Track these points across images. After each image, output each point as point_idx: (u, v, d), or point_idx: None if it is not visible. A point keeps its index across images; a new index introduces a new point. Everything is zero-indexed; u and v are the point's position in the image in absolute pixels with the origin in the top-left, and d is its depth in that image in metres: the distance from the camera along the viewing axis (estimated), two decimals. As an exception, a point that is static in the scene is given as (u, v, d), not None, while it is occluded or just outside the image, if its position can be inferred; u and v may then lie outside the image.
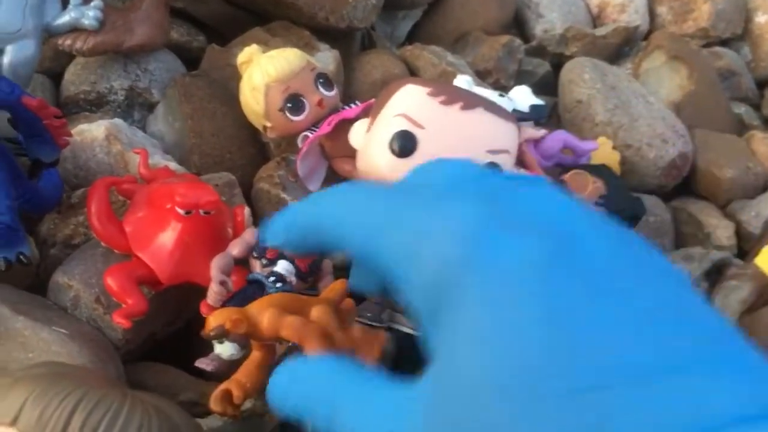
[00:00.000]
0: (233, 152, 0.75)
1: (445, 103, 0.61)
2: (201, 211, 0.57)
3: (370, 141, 0.63)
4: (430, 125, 0.60)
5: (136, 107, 0.78)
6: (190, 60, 0.84)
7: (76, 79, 0.76)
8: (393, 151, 0.60)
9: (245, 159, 0.76)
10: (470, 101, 0.61)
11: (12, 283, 0.59)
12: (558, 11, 1.10)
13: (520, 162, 0.72)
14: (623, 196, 0.75)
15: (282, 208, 0.68)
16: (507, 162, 0.62)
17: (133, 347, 0.59)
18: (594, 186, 0.73)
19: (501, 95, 0.77)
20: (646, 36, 1.11)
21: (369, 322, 0.62)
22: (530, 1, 1.10)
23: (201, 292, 0.59)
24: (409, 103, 0.61)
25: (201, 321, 0.62)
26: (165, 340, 0.64)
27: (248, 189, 0.72)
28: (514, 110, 0.75)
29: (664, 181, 0.90)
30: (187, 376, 0.59)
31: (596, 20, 1.13)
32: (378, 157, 0.62)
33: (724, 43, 1.16)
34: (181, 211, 0.57)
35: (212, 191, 0.58)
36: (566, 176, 0.73)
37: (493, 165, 0.61)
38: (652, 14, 1.15)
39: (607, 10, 1.12)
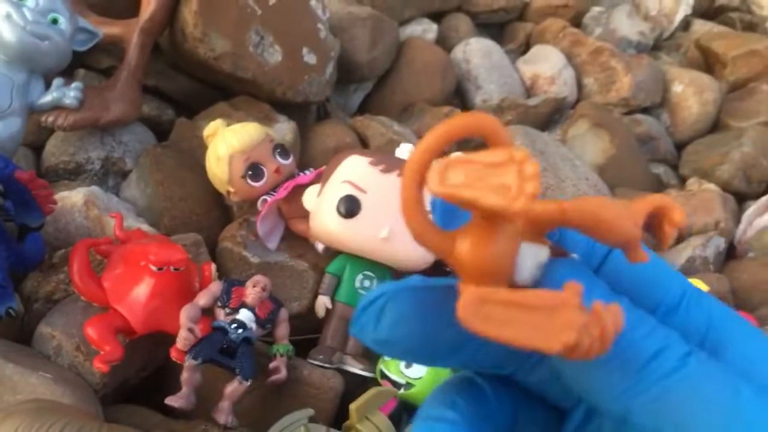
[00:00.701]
0: (200, 215, 0.83)
1: (384, 171, 0.71)
2: (172, 268, 0.65)
3: (321, 204, 0.72)
4: (372, 190, 0.70)
5: (111, 175, 0.87)
6: (161, 132, 0.93)
7: (56, 150, 0.84)
8: (340, 213, 0.70)
9: (210, 220, 0.84)
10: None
11: (1, 335, 0.65)
12: (495, 83, 1.22)
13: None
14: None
15: (243, 265, 0.76)
16: (439, 221, 0.72)
17: (110, 391, 0.66)
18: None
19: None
20: (574, 105, 1.23)
21: (321, 364, 0.70)
22: (470, 74, 1.22)
23: (169, 340, 0.66)
24: (353, 171, 0.71)
25: (170, 366, 0.70)
26: (137, 384, 0.70)
27: (213, 247, 0.80)
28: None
29: (588, 235, 1.00)
30: (159, 415, 0.66)
31: (529, 91, 1.26)
32: (328, 218, 0.71)
33: (645, 110, 1.29)
34: (154, 268, 0.65)
35: (181, 250, 0.66)
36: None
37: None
38: (579, 85, 1.28)
39: (538, 82, 1.25)
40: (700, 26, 1.55)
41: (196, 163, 0.86)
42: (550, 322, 0.19)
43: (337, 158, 0.74)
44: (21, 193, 0.64)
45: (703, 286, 0.79)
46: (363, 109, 1.16)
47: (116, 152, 0.86)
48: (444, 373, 0.68)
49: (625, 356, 0.21)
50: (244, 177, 0.78)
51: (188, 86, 0.98)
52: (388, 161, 0.72)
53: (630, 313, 0.21)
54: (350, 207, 0.69)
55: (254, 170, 0.78)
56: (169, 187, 0.83)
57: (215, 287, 0.67)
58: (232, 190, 0.80)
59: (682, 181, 1.21)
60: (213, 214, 0.85)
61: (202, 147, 0.84)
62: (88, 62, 0.92)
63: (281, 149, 0.81)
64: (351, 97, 1.16)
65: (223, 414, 0.63)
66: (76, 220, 0.76)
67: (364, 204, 0.70)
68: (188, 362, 0.63)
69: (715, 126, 1.32)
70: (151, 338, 0.68)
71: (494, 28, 1.42)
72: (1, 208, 0.70)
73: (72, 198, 0.76)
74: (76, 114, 0.80)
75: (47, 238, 0.74)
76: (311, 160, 0.92)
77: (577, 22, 1.42)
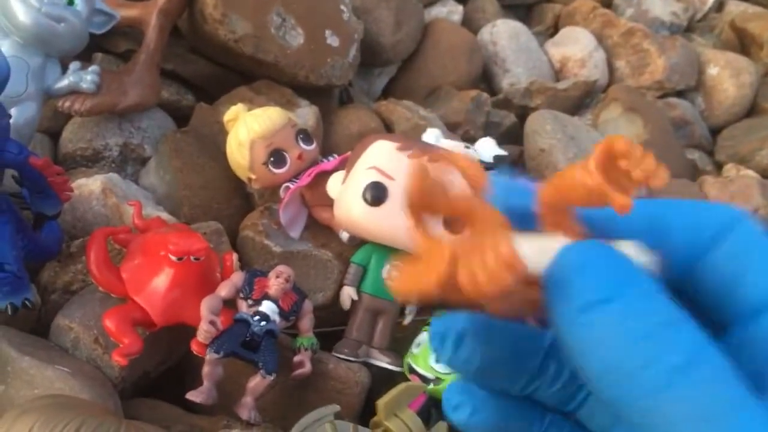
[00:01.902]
0: (220, 203, 0.81)
1: (412, 156, 0.67)
2: (192, 258, 0.63)
3: (346, 191, 0.69)
4: (400, 176, 0.67)
5: (129, 162, 0.84)
6: (180, 117, 0.91)
7: (73, 137, 0.82)
8: (366, 200, 0.67)
9: (231, 209, 0.81)
10: (435, 155, 0.68)
11: (17, 327, 0.63)
12: (523, 66, 1.18)
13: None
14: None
15: (265, 254, 0.74)
16: (470, 209, 0.69)
17: (129, 384, 0.64)
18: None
19: (467, 147, 0.84)
20: (606, 89, 1.19)
21: (347, 358, 0.68)
22: (497, 57, 1.19)
23: (190, 332, 0.64)
24: (380, 157, 0.68)
25: (191, 359, 0.68)
26: (158, 377, 0.68)
27: (234, 236, 0.77)
28: (479, 161, 0.81)
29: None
30: (179, 409, 0.64)
31: (558, 74, 1.22)
32: (353, 206, 0.68)
33: (680, 93, 1.25)
34: (173, 258, 0.62)
35: (202, 239, 0.64)
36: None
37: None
38: (611, 68, 1.23)
39: (568, 65, 1.21)
40: (735, 6, 1.50)
41: (217, 150, 0.84)
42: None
43: (362, 143, 0.71)
44: (36, 179, 0.61)
45: None
46: (387, 93, 1.13)
47: (135, 138, 0.84)
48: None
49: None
50: (266, 163, 0.75)
51: (208, 70, 0.95)
52: (416, 146, 0.69)
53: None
54: (377, 194, 0.66)
55: (276, 156, 0.76)
56: (189, 174, 0.81)
57: (237, 278, 0.64)
58: (253, 177, 0.77)
59: (719, 167, 1.17)
60: (234, 202, 0.82)
61: (223, 133, 0.82)
62: (105, 46, 0.89)
63: (304, 135, 0.78)
64: (375, 81, 1.12)
65: (246, 409, 0.61)
66: (93, 209, 0.74)
67: (391, 191, 0.67)
68: (209, 356, 0.60)
69: (752, 110, 1.27)
70: (171, 330, 0.66)
71: (521, 9, 1.38)
72: (18, 196, 0.68)
73: (90, 185, 0.74)
74: (94, 99, 0.78)
75: (65, 227, 0.72)
76: (334, 145, 0.90)
77: (607, 2, 1.37)
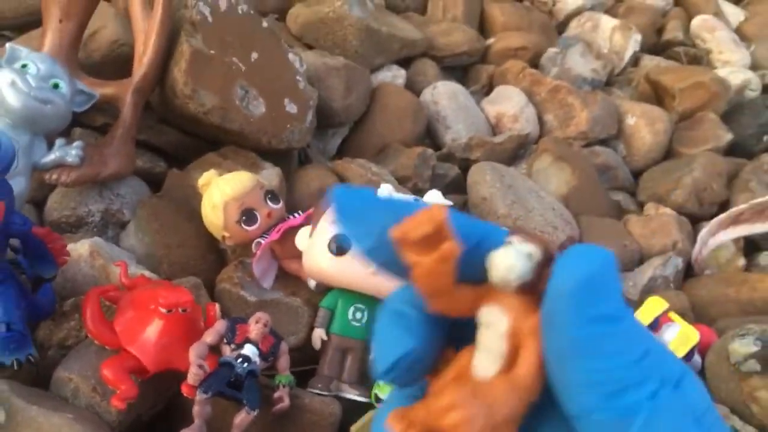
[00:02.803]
0: (196, 259, 0.89)
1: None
2: (180, 309, 0.71)
3: (313, 244, 0.79)
4: (360, 229, 0.76)
5: (109, 226, 0.92)
6: (154, 183, 0.99)
7: (58, 205, 0.90)
8: (331, 251, 0.76)
9: (207, 264, 0.90)
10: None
11: (18, 381, 0.70)
12: (463, 123, 1.30)
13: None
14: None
15: (241, 304, 0.82)
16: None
17: (125, 428, 0.71)
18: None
19: (416, 199, 0.94)
20: (537, 140, 1.32)
21: (320, 392, 0.76)
22: (439, 115, 1.30)
23: (176, 378, 0.71)
24: (342, 213, 0.77)
25: (177, 403, 0.75)
26: (149, 420, 0.75)
27: (211, 289, 0.85)
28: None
29: (557, 261, 1.07)
30: (172, 448, 0.70)
31: (494, 129, 1.34)
32: (320, 257, 0.77)
33: (603, 142, 1.39)
34: (163, 310, 0.70)
35: (188, 292, 0.72)
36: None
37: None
38: (540, 121, 1.37)
39: (503, 120, 1.33)
40: (649, 61, 1.66)
41: (190, 211, 0.92)
42: None
43: (325, 200, 0.80)
44: (37, 247, 0.69)
45: (664, 304, 0.87)
46: (341, 152, 1.23)
47: (114, 204, 0.92)
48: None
49: (609, 377, 0.22)
50: (238, 222, 0.84)
51: (177, 139, 1.04)
52: (373, 202, 0.79)
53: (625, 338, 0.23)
54: (341, 245, 0.76)
55: (248, 215, 0.84)
56: (166, 234, 0.89)
57: (220, 326, 0.72)
58: (227, 234, 0.85)
59: (641, 206, 1.30)
60: (209, 258, 0.90)
61: (195, 196, 0.90)
62: (83, 120, 0.97)
63: (272, 195, 0.87)
64: (329, 141, 1.23)
65: (234, 443, 0.68)
66: (82, 270, 0.81)
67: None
68: (199, 396, 0.68)
69: (668, 154, 1.41)
70: (160, 376, 0.73)
71: (458, 70, 1.51)
72: (14, 263, 0.75)
73: (78, 249, 0.81)
74: (78, 170, 0.86)
75: (56, 288, 0.79)
76: (297, 202, 0.98)
77: (534, 62, 1.51)
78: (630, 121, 1.41)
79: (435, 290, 0.28)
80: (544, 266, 0.25)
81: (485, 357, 0.27)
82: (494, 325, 0.27)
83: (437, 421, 0.26)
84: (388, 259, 0.27)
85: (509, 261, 0.26)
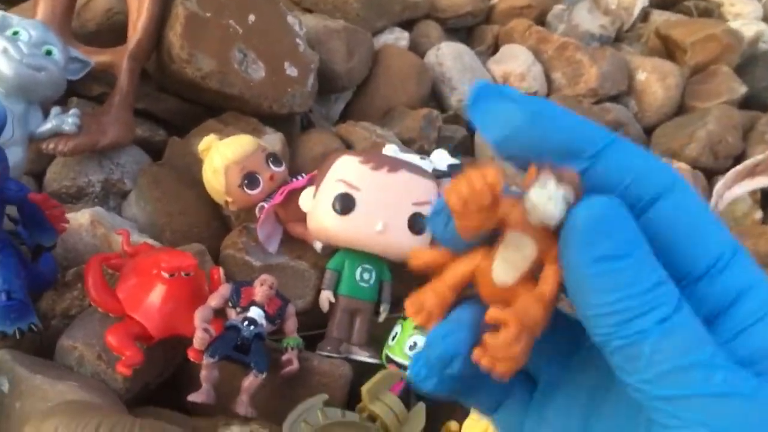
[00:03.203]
0: (200, 227, 0.87)
1: (374, 168, 0.75)
2: (182, 273, 0.69)
3: (317, 204, 0.77)
4: (365, 187, 0.75)
5: (110, 196, 0.90)
6: (154, 151, 0.97)
7: (57, 176, 0.88)
8: (336, 210, 0.74)
9: (210, 231, 0.88)
10: (394, 165, 0.76)
11: (22, 351, 0.69)
12: (468, 84, 1.27)
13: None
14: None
15: (247, 269, 0.80)
16: (429, 212, 0.77)
17: (132, 396, 0.69)
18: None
19: (422, 158, 0.92)
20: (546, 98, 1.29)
21: (329, 354, 0.74)
22: (444, 77, 1.27)
23: (184, 345, 0.70)
24: (345, 170, 0.76)
25: (184, 371, 0.74)
26: (156, 389, 0.74)
27: (216, 256, 0.84)
28: (434, 170, 0.89)
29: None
30: (180, 414, 0.69)
31: (502, 89, 1.31)
32: (324, 217, 0.76)
33: (613, 99, 1.35)
34: (166, 275, 0.69)
35: (191, 256, 0.70)
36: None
37: (418, 215, 0.75)
38: (548, 80, 1.33)
39: (510, 80, 1.30)
40: (658, 16, 1.62)
41: (192, 179, 0.90)
42: None
43: (328, 160, 0.78)
44: (35, 213, 0.67)
45: None
46: (344, 117, 1.20)
47: (115, 174, 0.90)
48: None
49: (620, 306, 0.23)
50: (240, 186, 0.82)
51: (177, 106, 1.02)
52: (377, 159, 0.77)
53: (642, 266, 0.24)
54: (345, 204, 0.74)
55: (250, 179, 0.82)
56: (168, 203, 0.87)
57: (225, 289, 0.71)
58: (230, 199, 0.84)
59: (653, 163, 1.27)
60: (212, 225, 0.89)
61: (196, 163, 0.88)
62: (80, 90, 0.95)
63: (274, 157, 0.85)
64: (332, 107, 1.20)
65: (243, 406, 0.67)
66: (84, 240, 0.79)
67: (358, 200, 0.74)
68: (206, 360, 0.66)
69: (681, 109, 1.38)
70: (166, 345, 0.72)
71: (462, 32, 1.47)
72: (14, 233, 0.73)
73: (78, 219, 0.80)
74: (75, 139, 0.84)
75: (58, 259, 0.78)
76: (301, 167, 0.96)
77: (541, 20, 1.48)
78: (641, 76, 1.37)
79: (476, 225, 0.27)
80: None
81: (508, 267, 0.28)
82: (521, 247, 0.27)
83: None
84: (515, 154, 0.26)
85: (549, 207, 0.26)
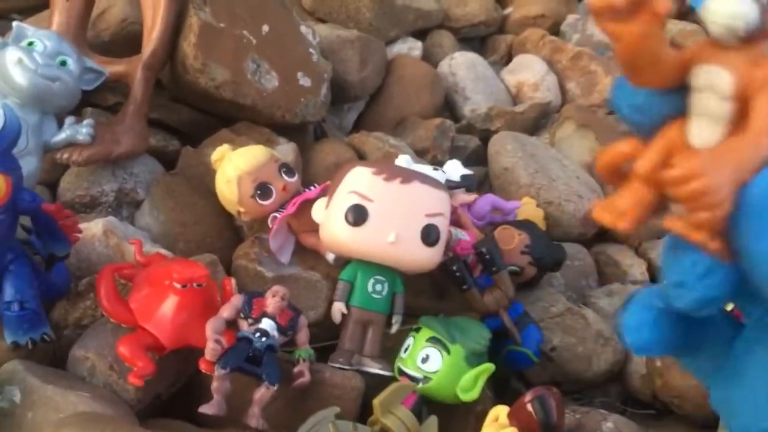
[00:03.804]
0: (212, 237, 0.87)
1: (387, 179, 0.75)
2: (195, 284, 0.69)
3: (330, 215, 0.76)
4: (377, 198, 0.74)
5: (124, 206, 0.90)
6: (168, 161, 0.97)
7: (71, 186, 0.88)
8: (349, 222, 0.74)
9: (223, 241, 0.88)
10: (407, 176, 0.76)
11: (34, 361, 0.69)
12: (482, 93, 1.27)
13: (457, 222, 0.86)
14: (545, 244, 0.89)
15: (259, 280, 0.80)
16: (442, 223, 0.76)
17: (144, 407, 0.69)
18: (519, 238, 0.87)
19: (435, 169, 0.91)
20: (559, 109, 1.28)
21: (341, 366, 0.74)
22: (457, 87, 1.27)
23: (195, 357, 0.70)
24: (358, 182, 0.75)
25: (196, 383, 0.73)
26: (168, 400, 0.74)
27: (228, 267, 0.84)
28: (448, 180, 0.89)
29: (584, 230, 1.05)
30: (192, 426, 0.69)
31: (515, 99, 1.31)
32: (337, 228, 0.75)
33: (628, 108, 1.34)
34: (178, 286, 0.68)
35: (203, 267, 0.70)
36: (495, 232, 0.87)
37: (430, 227, 0.75)
38: (562, 90, 1.33)
39: (523, 90, 1.30)
40: (673, 25, 1.60)
41: (205, 189, 0.90)
42: None
43: (341, 171, 0.78)
44: (48, 223, 0.67)
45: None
46: (357, 127, 1.20)
47: (128, 184, 0.90)
48: (459, 367, 0.72)
49: None
50: (253, 197, 0.82)
51: (190, 117, 1.02)
52: (390, 170, 0.76)
53: None
54: (358, 215, 0.73)
55: (263, 189, 0.82)
56: (182, 212, 0.87)
57: (237, 300, 0.70)
58: (242, 210, 0.83)
59: (669, 173, 1.26)
60: (225, 235, 0.89)
61: (210, 173, 0.88)
62: (94, 100, 0.96)
63: (286, 168, 0.85)
64: (345, 117, 1.20)
65: (254, 418, 0.66)
66: (97, 249, 0.79)
67: (370, 212, 0.74)
68: (217, 372, 0.66)
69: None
70: (178, 357, 0.72)
71: (476, 41, 1.47)
72: (27, 243, 0.73)
73: (92, 229, 0.80)
74: (90, 149, 0.84)
75: (71, 269, 0.78)
76: (313, 177, 0.96)
77: (555, 30, 1.47)
78: (655, 86, 1.36)
79: (642, 62, 0.24)
80: None
81: (705, 123, 0.24)
82: (715, 86, 0.23)
83: (674, 189, 0.23)
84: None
85: (732, 6, 0.22)
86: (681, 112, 0.25)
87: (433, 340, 0.73)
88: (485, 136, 1.18)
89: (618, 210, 0.26)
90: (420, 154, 1.09)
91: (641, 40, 0.23)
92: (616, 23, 0.23)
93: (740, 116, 0.23)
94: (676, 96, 0.24)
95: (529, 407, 0.62)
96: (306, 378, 0.70)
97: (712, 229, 0.24)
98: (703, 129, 0.24)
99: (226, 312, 0.69)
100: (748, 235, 0.24)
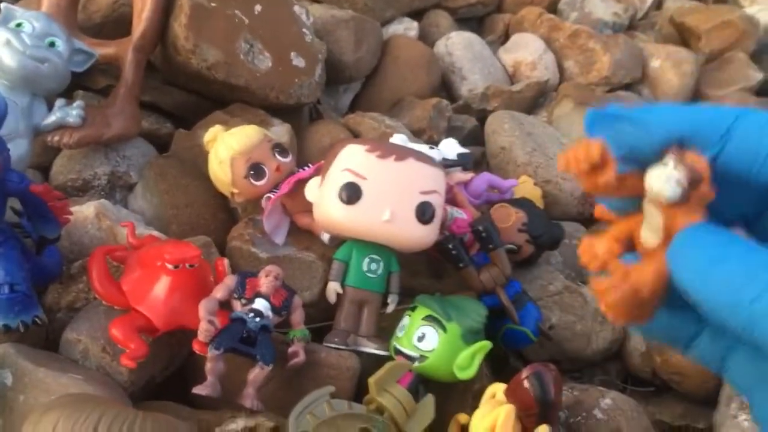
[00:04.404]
0: (206, 219, 0.86)
1: (381, 156, 0.74)
2: (187, 265, 0.68)
3: (323, 194, 0.75)
4: (371, 176, 0.73)
5: (117, 189, 0.90)
6: (161, 144, 0.96)
7: (63, 169, 0.87)
8: (342, 200, 0.73)
9: (217, 223, 0.87)
10: (402, 153, 0.75)
11: (27, 344, 0.68)
12: (479, 73, 1.25)
13: (453, 201, 0.85)
14: (543, 222, 0.88)
15: (253, 261, 0.79)
16: (437, 201, 0.75)
17: (137, 389, 0.69)
18: (516, 216, 0.86)
19: (431, 147, 0.90)
20: (557, 87, 1.27)
21: (337, 346, 0.73)
22: (454, 66, 1.26)
23: (189, 338, 0.69)
24: (351, 159, 0.74)
25: (190, 365, 0.73)
26: (162, 382, 0.73)
27: (222, 249, 0.83)
28: (444, 159, 0.88)
29: (582, 209, 1.03)
30: (186, 408, 0.68)
31: (512, 78, 1.29)
32: (331, 206, 0.74)
33: (627, 87, 1.33)
34: (170, 266, 0.68)
35: (195, 247, 0.69)
36: (492, 210, 0.86)
37: (425, 204, 0.74)
38: (560, 68, 1.31)
39: (520, 69, 1.29)
40: (672, 3, 1.59)
41: (198, 171, 0.89)
42: None
43: (334, 149, 0.77)
44: (37, 205, 0.66)
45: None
46: (353, 108, 1.19)
47: (121, 167, 0.89)
48: (456, 345, 0.71)
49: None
50: (246, 177, 0.81)
51: (183, 99, 1.01)
52: (384, 147, 0.75)
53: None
54: (352, 193, 0.72)
55: (256, 170, 0.81)
56: (175, 195, 0.86)
57: (230, 280, 0.70)
58: (236, 191, 0.82)
59: (668, 151, 1.24)
60: (219, 217, 0.88)
61: (203, 156, 0.87)
62: (85, 83, 0.95)
63: (280, 148, 0.84)
64: (341, 98, 1.19)
65: (249, 399, 0.66)
66: (89, 232, 0.79)
67: (364, 190, 0.73)
68: (211, 352, 0.65)
69: (695, 97, 1.35)
70: (172, 338, 0.71)
71: (473, 21, 1.46)
72: (18, 226, 0.73)
73: (84, 211, 0.79)
74: (80, 132, 0.83)
75: (63, 252, 0.77)
76: (309, 159, 0.95)
77: (552, 8, 1.46)
78: (655, 64, 1.35)
79: (602, 194, 0.32)
80: (693, 188, 0.29)
81: (649, 233, 0.31)
82: (652, 218, 0.31)
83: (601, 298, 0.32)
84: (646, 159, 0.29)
85: (660, 184, 0.29)
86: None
87: (429, 319, 0.72)
88: (482, 116, 1.17)
89: (592, 253, 0.33)
90: (416, 135, 1.08)
91: (598, 188, 0.31)
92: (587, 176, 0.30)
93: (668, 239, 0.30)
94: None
95: (526, 383, 0.62)
96: (301, 358, 0.69)
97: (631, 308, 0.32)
98: (647, 234, 0.31)
99: (219, 292, 0.68)
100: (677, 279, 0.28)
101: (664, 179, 0.29)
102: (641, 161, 0.29)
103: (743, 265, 0.26)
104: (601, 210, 0.34)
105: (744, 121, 0.27)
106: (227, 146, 0.81)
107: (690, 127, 0.28)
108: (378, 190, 0.73)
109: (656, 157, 0.29)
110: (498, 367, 0.81)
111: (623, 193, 0.31)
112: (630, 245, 0.33)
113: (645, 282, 0.30)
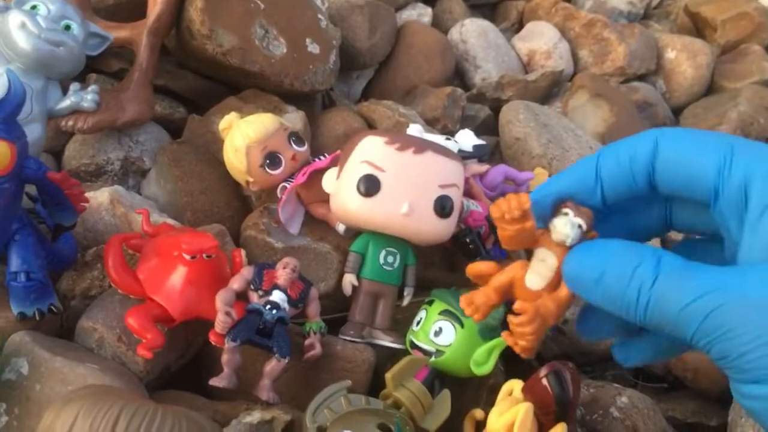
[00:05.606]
0: (221, 206, 0.86)
1: (400, 149, 0.73)
2: (204, 256, 0.68)
3: (341, 186, 0.75)
4: (390, 168, 0.73)
5: (130, 174, 0.89)
6: (174, 129, 0.95)
7: (76, 154, 0.87)
8: (360, 192, 0.72)
9: (231, 211, 0.86)
10: (421, 146, 0.74)
11: (42, 332, 0.68)
12: (493, 62, 1.24)
13: (469, 193, 0.84)
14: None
15: (268, 251, 0.79)
16: (456, 194, 0.75)
17: (153, 378, 0.68)
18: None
19: (447, 139, 0.89)
20: (572, 77, 1.25)
21: (352, 339, 0.73)
22: (468, 54, 1.24)
23: (205, 328, 0.69)
24: (370, 151, 0.73)
25: (206, 354, 0.73)
26: (177, 372, 0.73)
27: (236, 237, 0.82)
28: (460, 150, 0.87)
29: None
30: (202, 398, 0.68)
31: (527, 67, 1.28)
32: (348, 199, 0.74)
33: (641, 78, 1.32)
34: (187, 257, 0.67)
35: (212, 238, 0.69)
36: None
37: (444, 198, 0.73)
38: (575, 58, 1.30)
39: (535, 58, 1.27)
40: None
41: (212, 157, 0.89)
42: None
43: (352, 140, 0.76)
44: (54, 192, 0.66)
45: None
46: (366, 95, 1.18)
47: (134, 152, 0.89)
48: (473, 341, 0.71)
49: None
50: (262, 166, 0.80)
51: (197, 84, 1.00)
52: (403, 140, 0.74)
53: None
54: (370, 186, 0.72)
55: (272, 159, 0.80)
56: (189, 181, 0.86)
57: (247, 272, 0.69)
58: (251, 179, 0.82)
59: (682, 144, 1.24)
60: (233, 205, 0.87)
61: (217, 142, 0.87)
62: (99, 66, 0.94)
63: (296, 137, 0.83)
64: (354, 85, 1.18)
65: (265, 391, 0.65)
66: (103, 219, 0.78)
67: (383, 182, 0.72)
68: (228, 344, 0.65)
69: (710, 89, 1.34)
70: (187, 327, 0.71)
71: (486, 8, 1.44)
72: (33, 212, 0.72)
73: (98, 198, 0.78)
74: (94, 116, 0.83)
75: (77, 238, 0.77)
76: (322, 146, 0.95)
77: (567, -4, 1.44)
78: (670, 54, 1.33)
79: (518, 242, 0.41)
80: (587, 232, 0.39)
81: (536, 277, 0.41)
82: (547, 261, 0.40)
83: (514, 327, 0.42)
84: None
85: (566, 230, 0.39)
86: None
87: (446, 313, 0.72)
88: (496, 105, 1.16)
89: (473, 305, 0.43)
90: (430, 123, 1.07)
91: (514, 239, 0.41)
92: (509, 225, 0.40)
93: (555, 282, 0.41)
94: None
95: (544, 382, 0.61)
96: (317, 350, 0.69)
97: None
98: (535, 280, 0.41)
99: (236, 284, 0.68)
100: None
101: (569, 225, 0.38)
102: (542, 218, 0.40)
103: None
104: (473, 269, 0.43)
105: (602, 166, 0.39)
106: (243, 134, 0.80)
107: (570, 187, 0.40)
108: (396, 182, 0.73)
109: (554, 211, 0.39)
110: (511, 363, 0.81)
111: (531, 242, 0.40)
112: (508, 293, 0.42)
113: (551, 312, 0.40)
